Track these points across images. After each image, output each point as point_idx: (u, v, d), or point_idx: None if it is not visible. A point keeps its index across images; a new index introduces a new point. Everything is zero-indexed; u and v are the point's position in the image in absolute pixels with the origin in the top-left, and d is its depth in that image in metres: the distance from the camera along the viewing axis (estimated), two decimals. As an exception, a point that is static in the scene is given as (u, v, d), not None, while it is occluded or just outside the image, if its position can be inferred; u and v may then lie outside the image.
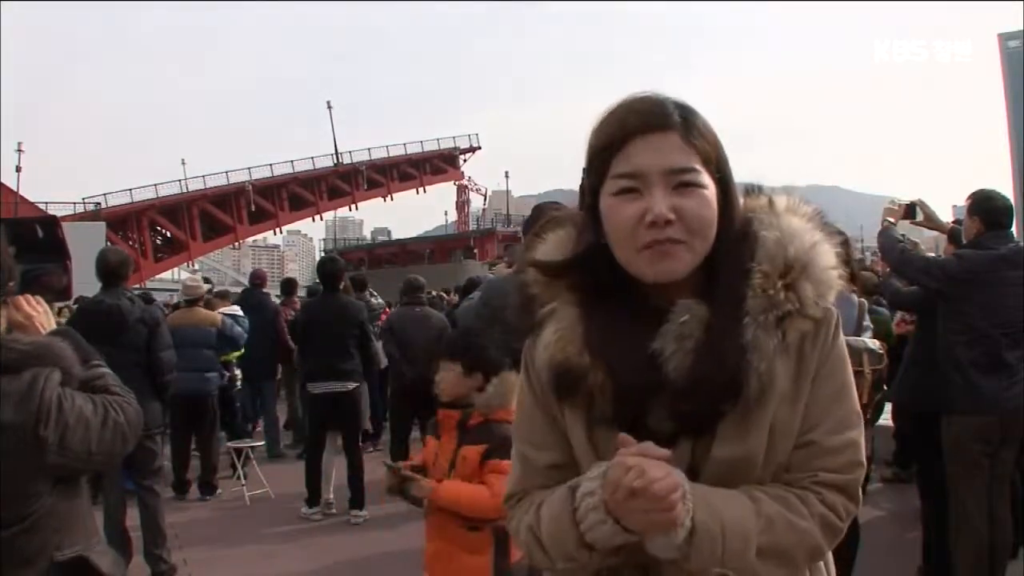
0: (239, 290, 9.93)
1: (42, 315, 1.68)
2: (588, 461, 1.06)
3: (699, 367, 0.99)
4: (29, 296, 1.71)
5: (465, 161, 60.77)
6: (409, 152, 56.18)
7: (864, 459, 1.07)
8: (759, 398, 1.00)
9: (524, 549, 1.14)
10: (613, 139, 1.03)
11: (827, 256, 1.05)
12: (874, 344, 3.29)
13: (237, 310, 7.25)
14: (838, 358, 1.07)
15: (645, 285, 1.04)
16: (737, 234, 1.06)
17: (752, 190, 1.12)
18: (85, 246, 7.98)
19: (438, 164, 58.75)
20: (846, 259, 1.10)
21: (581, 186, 1.10)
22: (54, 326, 1.73)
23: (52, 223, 3.12)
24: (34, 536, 1.44)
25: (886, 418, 5.11)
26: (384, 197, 56.12)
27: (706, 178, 1.01)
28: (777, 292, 1.01)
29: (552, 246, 1.14)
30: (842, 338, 1.09)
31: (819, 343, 1.05)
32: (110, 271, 4.55)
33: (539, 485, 1.13)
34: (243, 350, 7.20)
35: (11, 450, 1.40)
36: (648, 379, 1.00)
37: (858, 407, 1.09)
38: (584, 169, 1.09)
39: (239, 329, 6.84)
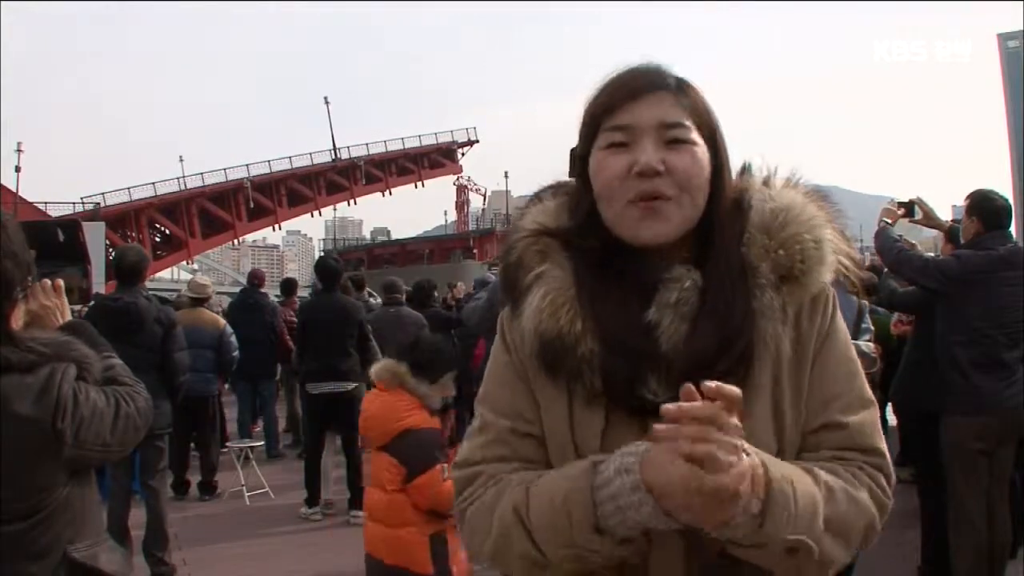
0: (238, 290, 9.91)
1: (58, 307, 1.70)
2: (563, 444, 0.98)
3: (698, 335, 0.94)
4: (47, 284, 1.73)
5: (463, 155, 60.79)
6: (407, 147, 56.17)
7: (883, 437, 1.02)
8: (764, 366, 0.95)
9: (491, 535, 0.97)
10: (606, 102, 1.01)
11: (823, 231, 1.00)
12: (868, 347, 3.29)
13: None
14: (842, 336, 1.03)
15: (638, 254, 1.00)
16: (730, 202, 1.03)
17: (748, 169, 1.09)
18: (85, 246, 7.93)
19: (436, 159, 58.74)
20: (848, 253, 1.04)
21: (572, 151, 1.07)
22: (69, 318, 1.75)
23: (73, 227, 3.10)
24: (48, 529, 1.46)
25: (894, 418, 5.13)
26: (383, 192, 56.10)
27: (698, 137, 0.99)
28: (778, 256, 0.98)
29: (542, 213, 1.08)
30: (841, 318, 1.04)
31: (817, 317, 1.01)
32: (128, 269, 4.55)
33: (508, 456, 1.01)
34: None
35: (31, 443, 1.43)
36: (643, 348, 0.94)
37: (869, 389, 1.03)
38: (578, 137, 1.06)
39: (234, 342, 6.55)
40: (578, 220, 1.04)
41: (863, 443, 0.99)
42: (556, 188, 1.11)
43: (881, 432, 1.02)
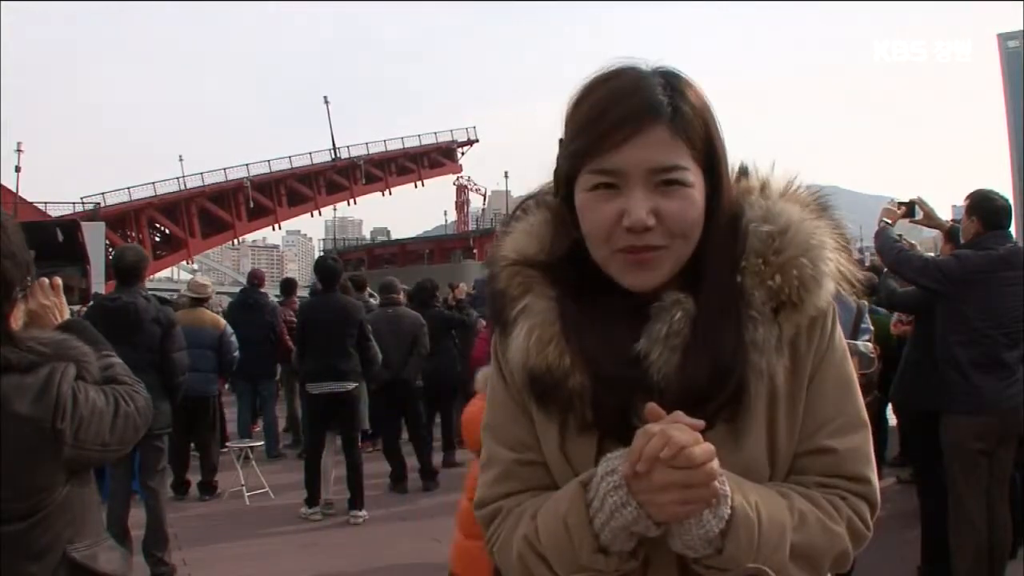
0: (238, 290, 9.92)
1: (56, 306, 1.70)
2: (561, 469, 0.98)
3: (690, 367, 0.91)
4: (46, 283, 1.72)
5: (463, 155, 60.85)
6: (407, 147, 56.22)
7: (874, 462, 1.01)
8: (759, 399, 0.93)
9: (514, 570, 0.99)
10: (591, 129, 0.92)
11: (823, 252, 0.95)
12: (866, 348, 3.29)
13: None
14: (840, 353, 1.00)
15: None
16: (725, 225, 0.96)
17: (745, 172, 1.03)
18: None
19: (436, 158, 58.87)
20: (845, 250, 1.00)
21: (556, 172, 1.00)
22: (68, 317, 1.75)
23: (72, 227, 3.10)
24: (48, 529, 1.46)
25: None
26: (382, 191, 56.21)
27: (692, 175, 0.92)
28: (774, 283, 0.93)
29: (524, 236, 1.03)
30: (840, 332, 1.01)
31: (815, 339, 0.97)
32: (127, 269, 4.56)
33: (519, 489, 1.01)
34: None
35: (30, 443, 1.43)
36: (634, 378, 0.91)
37: (864, 408, 1.01)
38: (557, 153, 0.99)
39: (234, 342, 6.54)
40: (562, 249, 0.99)
41: (851, 471, 0.97)
42: (540, 199, 1.06)
43: (872, 458, 1.00)
